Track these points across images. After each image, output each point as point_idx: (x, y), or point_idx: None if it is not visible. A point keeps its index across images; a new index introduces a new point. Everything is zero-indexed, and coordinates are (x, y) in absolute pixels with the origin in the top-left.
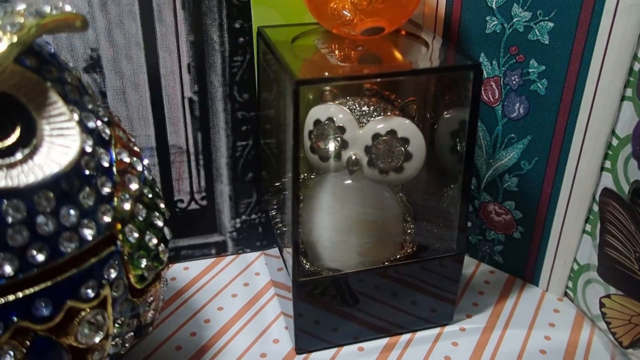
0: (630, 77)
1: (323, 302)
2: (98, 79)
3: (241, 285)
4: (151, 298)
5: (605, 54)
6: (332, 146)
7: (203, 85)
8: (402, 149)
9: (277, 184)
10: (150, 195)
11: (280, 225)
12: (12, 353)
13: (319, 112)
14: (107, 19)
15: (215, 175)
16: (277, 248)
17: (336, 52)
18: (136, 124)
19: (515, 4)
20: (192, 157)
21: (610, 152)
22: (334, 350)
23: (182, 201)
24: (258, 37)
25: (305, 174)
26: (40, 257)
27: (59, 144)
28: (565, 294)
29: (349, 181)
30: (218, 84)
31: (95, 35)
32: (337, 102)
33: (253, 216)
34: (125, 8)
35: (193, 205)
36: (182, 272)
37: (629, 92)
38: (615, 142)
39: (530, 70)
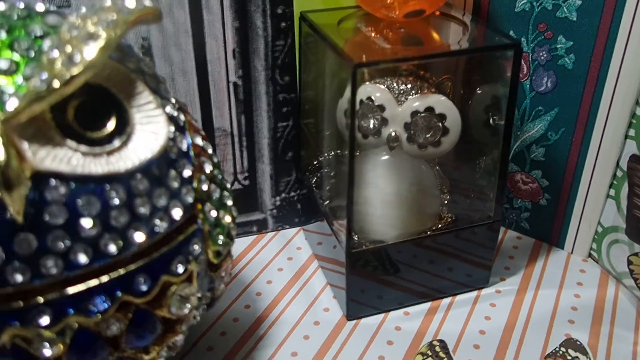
0: None
1: (369, 272)
2: (152, 62)
3: (285, 260)
4: (224, 272)
5: (631, 28)
6: (372, 124)
7: (247, 69)
8: (440, 124)
9: (316, 162)
10: (220, 177)
11: (325, 200)
12: (117, 325)
13: (359, 92)
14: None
15: (257, 156)
16: (316, 223)
17: (380, 34)
18: None
19: None
20: (236, 139)
21: (634, 121)
22: (381, 315)
23: (226, 181)
24: (301, 22)
25: (339, 151)
26: (140, 237)
27: (150, 131)
28: (589, 255)
29: (388, 157)
30: (261, 68)
31: (146, 25)
32: (375, 81)
33: (292, 194)
34: None
35: (236, 185)
36: None
37: None
38: (639, 111)
39: (558, 46)
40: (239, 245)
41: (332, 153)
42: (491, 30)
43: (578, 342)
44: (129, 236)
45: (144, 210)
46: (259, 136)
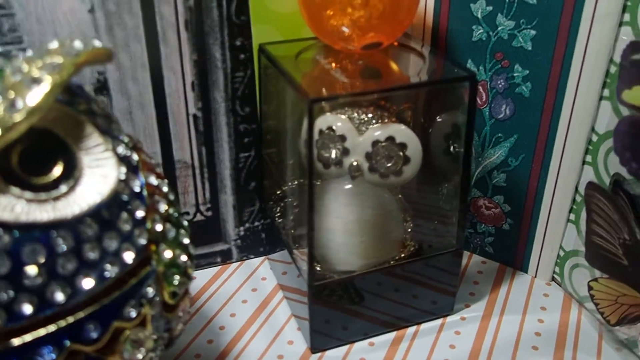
0: (607, 79)
1: (333, 303)
2: (105, 100)
3: (249, 291)
4: (181, 312)
5: (584, 58)
6: (333, 154)
7: (206, 101)
8: (401, 153)
9: (279, 191)
10: (176, 215)
11: (286, 230)
12: None
13: (320, 123)
14: (114, 42)
15: (219, 187)
16: (280, 252)
17: (337, 66)
18: (143, 142)
19: (499, 14)
20: (197, 171)
21: (590, 147)
22: (346, 347)
23: (188, 213)
24: (259, 54)
25: (302, 180)
26: (89, 283)
27: (99, 174)
28: (553, 279)
29: (351, 186)
30: (221, 100)
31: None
32: (337, 112)
33: (256, 223)
34: (131, 32)
35: (199, 217)
36: None
37: (606, 92)
38: (595, 137)
39: (515, 75)
40: (203, 277)
41: (295, 183)
42: (448, 61)
43: None
44: (77, 283)
45: (93, 255)
46: (221, 167)
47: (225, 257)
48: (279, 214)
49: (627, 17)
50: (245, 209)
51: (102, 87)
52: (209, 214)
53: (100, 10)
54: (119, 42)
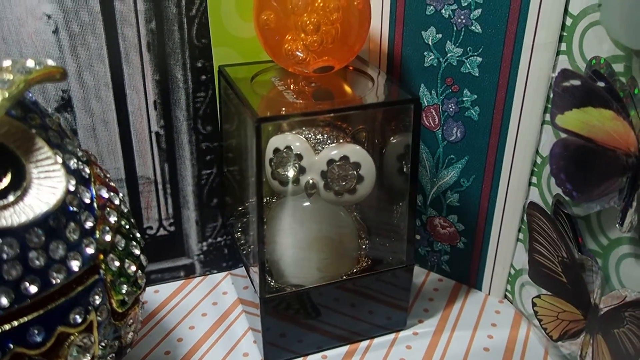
0: (548, 104)
1: (288, 316)
2: (69, 117)
3: (210, 305)
4: (131, 320)
5: (526, 84)
6: (290, 172)
7: (169, 119)
8: (355, 172)
9: (241, 208)
10: (127, 227)
11: (245, 246)
12: None
13: (277, 141)
14: (77, 62)
15: (182, 203)
16: (243, 268)
17: (292, 88)
18: (106, 157)
19: (448, 41)
20: (160, 187)
21: (535, 169)
22: (300, 359)
23: (151, 228)
24: (219, 75)
25: (267, 198)
26: (33, 289)
27: (47, 185)
28: (505, 296)
29: (307, 203)
30: (183, 118)
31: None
32: (294, 131)
33: (219, 239)
34: (94, 52)
35: (162, 232)
36: (152, 295)
37: (547, 117)
38: (539, 160)
39: (464, 99)
40: (165, 290)
41: (254, 200)
42: (397, 85)
43: None
44: (22, 288)
45: (38, 263)
46: (184, 183)
47: (189, 272)
48: (240, 230)
49: (563, 46)
50: (207, 225)
51: (66, 104)
52: (172, 229)
53: (64, 32)
54: (83, 62)
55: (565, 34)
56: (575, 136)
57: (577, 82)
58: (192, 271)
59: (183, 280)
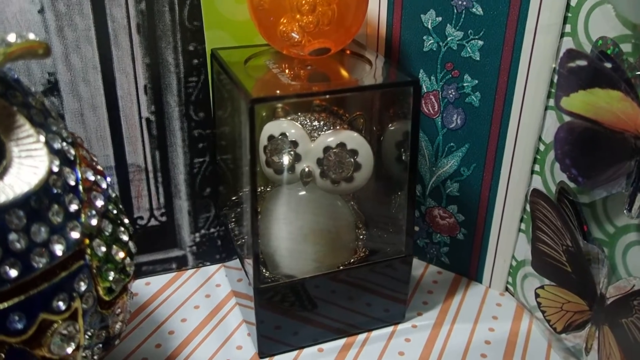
0: (551, 89)
1: (283, 308)
2: (56, 101)
3: (203, 297)
4: (119, 310)
5: (529, 68)
6: (286, 160)
7: (160, 105)
8: (352, 160)
9: (234, 197)
10: (115, 211)
11: (239, 236)
12: None
13: (272, 128)
14: (64, 44)
15: (174, 192)
16: (236, 259)
17: (287, 71)
18: (95, 144)
19: (448, 24)
20: (151, 175)
21: (538, 157)
22: (295, 352)
23: (142, 218)
24: (212, 59)
25: (262, 187)
26: (13, 273)
27: (28, 165)
28: (506, 289)
29: (303, 192)
30: (174, 104)
31: (52, 60)
32: (289, 118)
33: (212, 230)
34: (82, 33)
35: (153, 222)
36: (144, 287)
37: (551, 102)
38: (542, 147)
39: (464, 84)
40: (157, 282)
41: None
42: (396, 69)
43: None
44: (2, 272)
45: (19, 245)
46: (175, 172)
47: (181, 264)
48: (234, 221)
49: (567, 28)
50: (200, 215)
51: (53, 88)
52: (164, 219)
53: (50, 11)
54: (70, 44)
55: (569, 14)
56: (581, 119)
57: (583, 63)
58: (184, 263)
59: (175, 273)
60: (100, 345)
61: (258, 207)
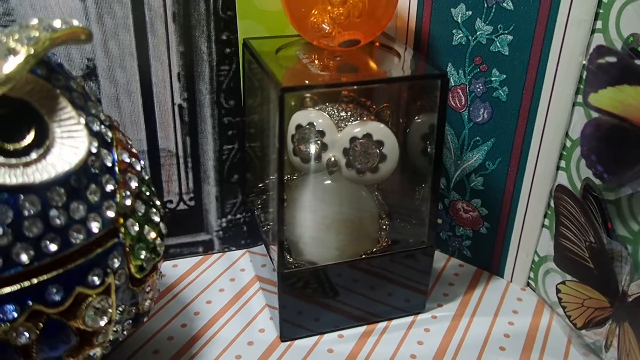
0: (580, 85)
1: (305, 294)
2: (94, 86)
3: (228, 281)
4: (149, 288)
5: (558, 63)
6: (312, 149)
7: (192, 92)
8: (377, 150)
9: (261, 185)
10: (147, 193)
11: (264, 223)
12: (26, 334)
13: (300, 118)
14: (103, 30)
15: (202, 177)
16: (261, 245)
17: (316, 62)
18: (129, 128)
19: (478, 19)
20: (181, 160)
21: (564, 153)
22: (315, 337)
23: (171, 202)
24: (244, 48)
25: (288, 175)
26: (53, 247)
27: (69, 145)
28: (528, 284)
29: (329, 181)
30: (206, 92)
31: (91, 46)
32: (317, 108)
33: (238, 216)
34: (120, 21)
35: (181, 206)
36: (171, 269)
37: (579, 98)
38: (568, 143)
39: (492, 79)
40: (184, 265)
41: (275, 177)
42: (425, 62)
43: None
44: (42, 246)
45: (59, 221)
46: (205, 158)
47: (207, 248)
48: (259, 207)
49: (599, 24)
50: (227, 201)
51: (91, 73)
52: (192, 203)
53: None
54: (109, 31)
55: (601, 11)
56: (609, 116)
57: (612, 59)
58: (210, 247)
59: (201, 256)
60: (130, 321)
61: (284, 195)
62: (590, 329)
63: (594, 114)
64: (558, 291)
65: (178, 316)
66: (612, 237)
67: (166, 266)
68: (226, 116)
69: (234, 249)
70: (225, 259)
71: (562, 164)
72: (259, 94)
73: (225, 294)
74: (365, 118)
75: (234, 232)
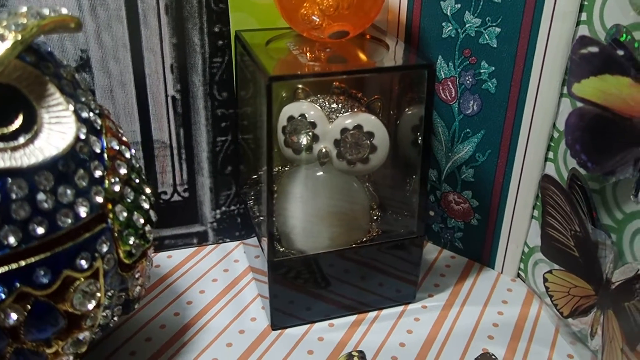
0: (566, 76)
1: (296, 284)
2: (87, 78)
3: (221, 271)
4: (138, 274)
5: (544, 55)
6: (304, 140)
7: (185, 84)
8: (368, 141)
9: (254, 176)
10: (137, 180)
11: (257, 214)
12: (14, 315)
13: (291, 109)
14: (96, 22)
15: (196, 169)
16: (255, 237)
17: (307, 53)
18: (122, 120)
19: (467, 11)
20: (175, 152)
21: (552, 144)
22: (306, 326)
23: (165, 193)
24: (235, 40)
25: (280, 167)
26: (40, 230)
27: (57, 130)
28: (518, 275)
29: (320, 173)
30: (199, 83)
31: (85, 37)
32: (309, 100)
33: (232, 207)
34: (113, 13)
35: (176, 197)
36: (165, 260)
37: (565, 89)
38: (556, 134)
39: (481, 71)
40: (178, 256)
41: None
42: (413, 54)
43: (493, 357)
44: (30, 229)
45: (46, 205)
46: (198, 149)
47: (202, 239)
48: (252, 199)
49: (584, 16)
50: (221, 193)
51: (85, 64)
52: (186, 194)
53: None
54: (102, 22)
55: (586, 2)
56: (592, 105)
57: (595, 49)
58: (205, 239)
59: (196, 247)
60: (120, 306)
61: (275, 186)
62: (577, 318)
63: (579, 104)
64: (545, 280)
65: (171, 305)
66: (597, 226)
67: (160, 257)
68: (219, 108)
69: (228, 240)
70: (219, 250)
71: (550, 155)
72: (251, 85)
73: (219, 284)
74: (356, 110)
75: (228, 224)
